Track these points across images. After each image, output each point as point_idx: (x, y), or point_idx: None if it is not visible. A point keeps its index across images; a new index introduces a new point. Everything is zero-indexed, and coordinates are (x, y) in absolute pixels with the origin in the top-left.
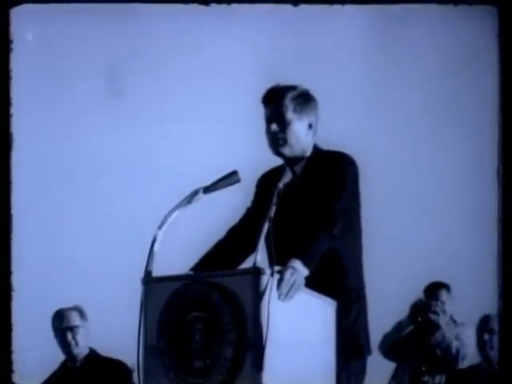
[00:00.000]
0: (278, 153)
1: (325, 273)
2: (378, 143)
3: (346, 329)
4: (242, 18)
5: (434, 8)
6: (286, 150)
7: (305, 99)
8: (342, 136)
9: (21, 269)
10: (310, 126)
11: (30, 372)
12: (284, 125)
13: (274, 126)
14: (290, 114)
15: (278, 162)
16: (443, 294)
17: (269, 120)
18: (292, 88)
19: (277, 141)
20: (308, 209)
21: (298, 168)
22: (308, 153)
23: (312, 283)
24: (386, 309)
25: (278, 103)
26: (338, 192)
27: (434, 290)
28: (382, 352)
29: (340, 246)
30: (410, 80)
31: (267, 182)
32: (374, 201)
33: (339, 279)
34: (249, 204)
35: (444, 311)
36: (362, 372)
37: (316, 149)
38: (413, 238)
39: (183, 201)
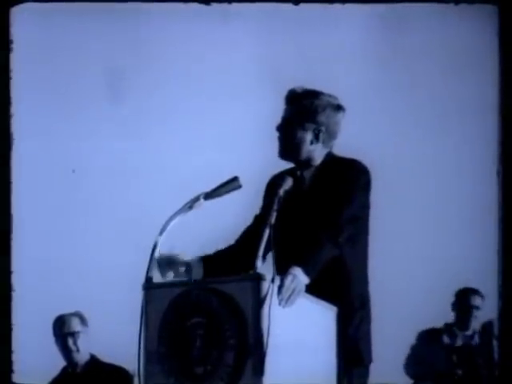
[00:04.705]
0: (280, 155)
1: (329, 279)
2: (376, 144)
3: (348, 336)
4: (242, 17)
5: (434, 7)
6: (288, 154)
7: (319, 109)
8: (339, 137)
9: (21, 269)
10: (317, 136)
11: (30, 372)
12: (286, 129)
13: (278, 127)
14: (292, 122)
15: (278, 168)
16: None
17: (281, 119)
18: (310, 95)
19: (280, 142)
20: (315, 216)
21: (308, 174)
22: (317, 161)
23: (316, 289)
24: (387, 315)
25: (288, 107)
26: (346, 200)
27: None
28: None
29: (346, 253)
30: (410, 79)
31: (275, 185)
32: (372, 206)
33: (344, 286)
34: (259, 207)
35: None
36: (364, 380)
37: (329, 156)
38: (413, 242)
39: (184, 207)
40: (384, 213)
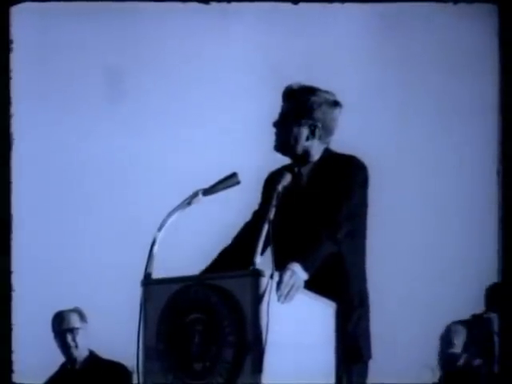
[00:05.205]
0: (276, 149)
1: (328, 276)
2: (375, 143)
3: (347, 333)
4: (241, 16)
5: (433, 6)
6: (284, 149)
7: (315, 105)
8: (339, 136)
9: (21, 269)
10: (313, 132)
11: (30, 372)
12: (283, 125)
13: (275, 123)
14: (289, 118)
15: (276, 164)
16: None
17: (278, 115)
18: (307, 92)
19: (276, 137)
20: (313, 212)
21: (306, 170)
22: (315, 157)
23: (315, 286)
24: (387, 313)
25: (285, 103)
26: (345, 197)
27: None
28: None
29: (344, 250)
30: (409, 78)
31: (274, 181)
32: (372, 205)
33: (342, 282)
34: (258, 203)
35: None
36: (363, 376)
37: (327, 152)
38: (413, 241)
39: (183, 203)
40: (384, 212)
